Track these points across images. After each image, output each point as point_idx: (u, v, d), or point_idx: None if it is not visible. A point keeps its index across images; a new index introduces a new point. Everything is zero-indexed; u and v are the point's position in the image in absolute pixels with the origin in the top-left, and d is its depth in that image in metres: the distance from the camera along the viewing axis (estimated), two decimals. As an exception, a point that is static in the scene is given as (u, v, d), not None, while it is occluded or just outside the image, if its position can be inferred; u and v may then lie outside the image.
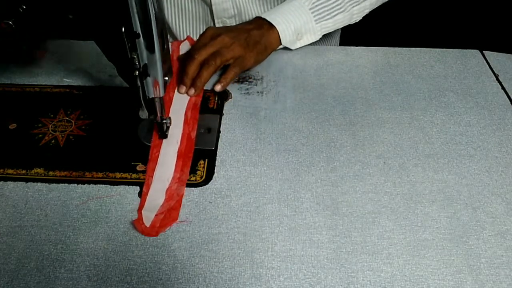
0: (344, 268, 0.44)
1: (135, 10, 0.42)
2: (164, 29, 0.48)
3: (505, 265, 0.44)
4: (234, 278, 0.44)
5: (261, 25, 0.67)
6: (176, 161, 0.54)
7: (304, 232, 0.47)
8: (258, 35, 0.65)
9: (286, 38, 0.68)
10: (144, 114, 0.52)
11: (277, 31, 0.67)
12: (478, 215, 0.49)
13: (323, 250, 0.46)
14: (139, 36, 0.45)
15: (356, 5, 0.71)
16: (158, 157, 0.54)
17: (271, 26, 0.67)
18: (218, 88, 0.63)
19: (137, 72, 0.47)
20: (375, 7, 0.74)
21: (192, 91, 0.62)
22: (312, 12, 0.68)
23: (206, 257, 0.45)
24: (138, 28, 0.44)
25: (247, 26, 0.67)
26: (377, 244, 0.46)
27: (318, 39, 0.70)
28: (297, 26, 0.68)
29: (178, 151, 0.55)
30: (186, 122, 0.58)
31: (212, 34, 0.65)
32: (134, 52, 0.46)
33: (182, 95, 0.62)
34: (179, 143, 0.56)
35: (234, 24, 0.78)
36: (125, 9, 0.42)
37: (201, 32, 0.79)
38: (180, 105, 0.61)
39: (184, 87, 0.62)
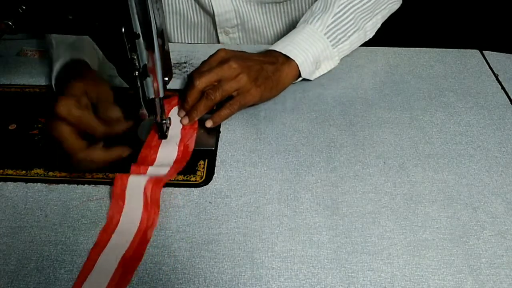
0: (344, 268, 0.44)
1: (135, 11, 0.42)
2: (164, 30, 0.48)
3: (505, 265, 0.44)
4: (234, 279, 0.43)
5: (276, 58, 0.61)
6: (116, 268, 0.43)
7: (304, 232, 0.47)
8: (271, 70, 0.60)
9: (306, 70, 0.63)
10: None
11: (296, 64, 0.62)
12: (478, 215, 0.49)
13: (323, 251, 0.46)
14: (139, 37, 0.45)
15: (368, 21, 0.68)
16: (98, 258, 0.44)
17: (287, 59, 0.62)
18: (209, 124, 0.57)
19: (137, 72, 0.47)
20: (385, 19, 0.71)
21: (186, 121, 0.58)
22: (328, 37, 0.63)
23: (206, 258, 0.45)
24: (138, 28, 0.44)
25: (261, 57, 0.61)
26: (377, 244, 0.46)
27: (336, 65, 0.66)
28: (315, 55, 0.63)
29: (122, 257, 0.44)
30: (146, 208, 0.47)
31: (222, 58, 0.59)
32: (134, 52, 0.46)
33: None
34: (128, 243, 0.45)
35: (236, 33, 0.76)
36: (125, 10, 0.42)
37: (203, 41, 0.79)
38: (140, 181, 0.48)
39: (184, 112, 0.58)
